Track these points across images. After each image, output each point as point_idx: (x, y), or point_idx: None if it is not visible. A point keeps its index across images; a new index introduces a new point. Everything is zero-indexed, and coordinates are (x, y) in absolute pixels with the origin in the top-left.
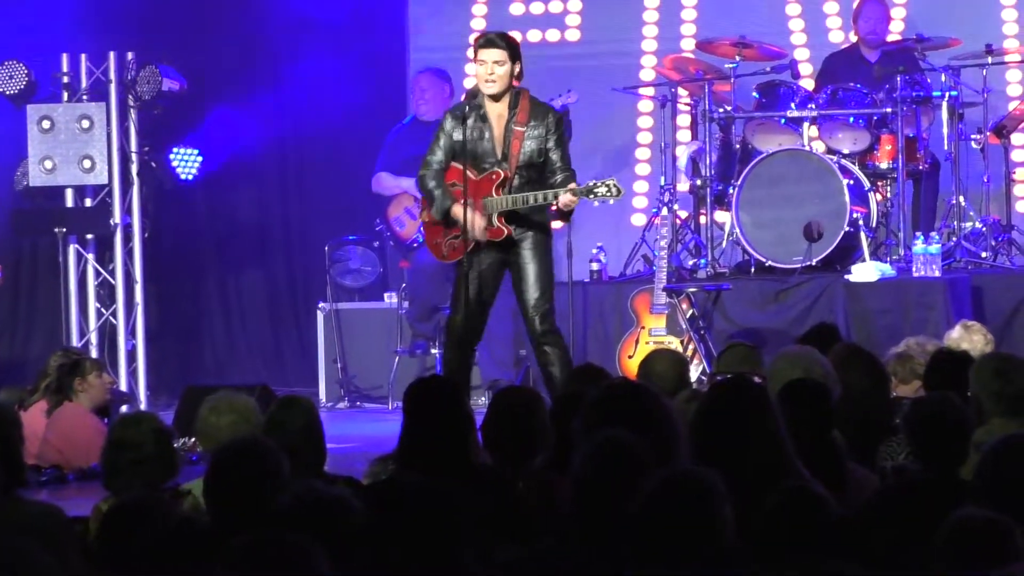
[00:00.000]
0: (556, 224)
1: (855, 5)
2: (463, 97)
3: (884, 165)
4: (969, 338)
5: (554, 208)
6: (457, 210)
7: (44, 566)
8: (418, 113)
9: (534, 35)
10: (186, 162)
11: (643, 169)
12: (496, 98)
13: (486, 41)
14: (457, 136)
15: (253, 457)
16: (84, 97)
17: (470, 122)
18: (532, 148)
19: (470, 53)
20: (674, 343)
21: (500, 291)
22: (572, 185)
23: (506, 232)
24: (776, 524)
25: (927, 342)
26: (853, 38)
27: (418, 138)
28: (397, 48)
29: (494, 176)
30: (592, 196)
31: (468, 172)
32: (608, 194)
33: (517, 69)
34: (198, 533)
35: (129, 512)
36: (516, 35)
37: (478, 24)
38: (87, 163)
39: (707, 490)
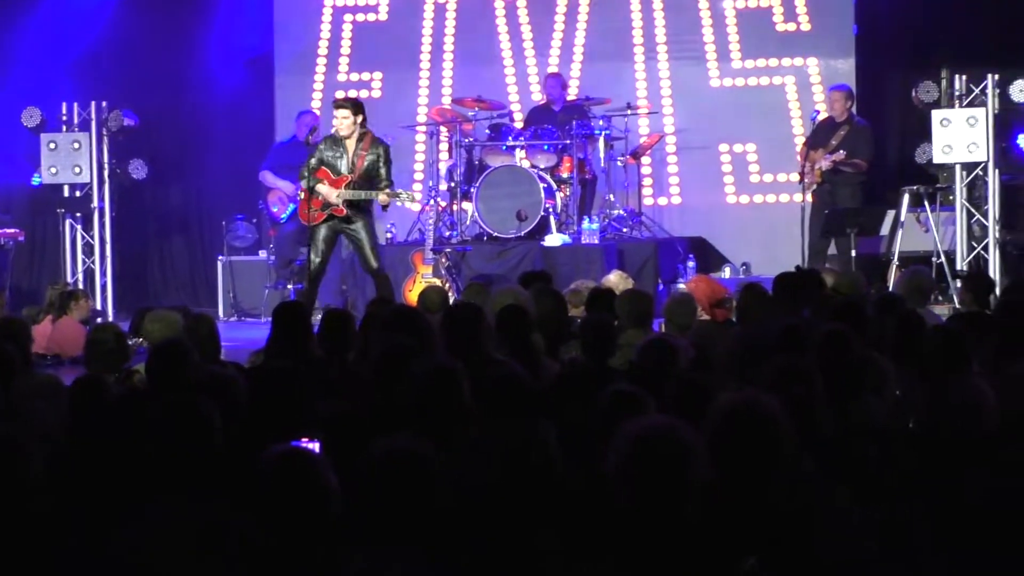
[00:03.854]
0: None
1: (543, 79)
2: (333, 130)
3: (565, 175)
4: (621, 281)
5: (381, 204)
6: (321, 188)
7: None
8: (299, 136)
9: (353, 94)
10: (138, 170)
11: (419, 176)
12: (347, 136)
13: (334, 104)
14: (326, 154)
15: (176, 350)
16: (75, 129)
17: (333, 147)
18: (368, 165)
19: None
20: (438, 283)
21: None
22: (387, 190)
23: (345, 212)
24: (492, 394)
25: (588, 283)
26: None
27: (294, 153)
28: (267, 94)
29: (342, 179)
30: (398, 199)
31: (328, 174)
32: (407, 199)
33: (360, 118)
34: (140, 396)
35: (96, 381)
36: (353, 94)
37: (319, 86)
38: (77, 170)
39: (451, 372)
